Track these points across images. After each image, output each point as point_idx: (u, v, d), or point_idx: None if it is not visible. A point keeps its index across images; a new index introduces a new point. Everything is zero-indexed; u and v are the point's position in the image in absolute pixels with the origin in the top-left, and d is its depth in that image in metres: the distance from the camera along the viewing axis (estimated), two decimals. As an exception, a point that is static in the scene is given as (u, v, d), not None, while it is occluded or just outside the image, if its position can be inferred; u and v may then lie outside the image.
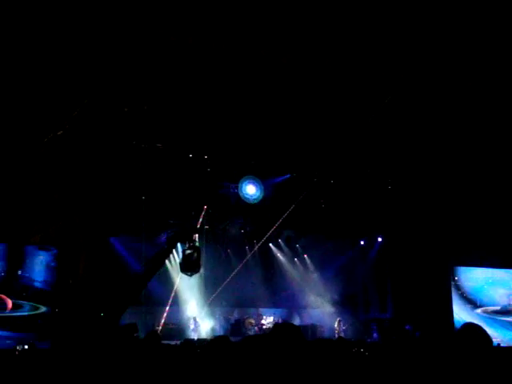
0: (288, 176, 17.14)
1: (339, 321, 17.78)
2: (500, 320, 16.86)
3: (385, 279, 19.24)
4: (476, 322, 3.19)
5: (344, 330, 17.64)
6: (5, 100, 11.74)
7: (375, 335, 18.25)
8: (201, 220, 17.12)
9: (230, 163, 16.00)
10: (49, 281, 12.85)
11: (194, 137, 14.62)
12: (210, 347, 3.60)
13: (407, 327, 16.95)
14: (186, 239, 14.86)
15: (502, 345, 14.19)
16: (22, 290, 12.55)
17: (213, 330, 17.48)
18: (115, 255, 15.84)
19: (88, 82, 12.01)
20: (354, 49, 11.55)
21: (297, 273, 19.65)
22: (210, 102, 13.58)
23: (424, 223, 16.74)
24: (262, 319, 18.21)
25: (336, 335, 17.10)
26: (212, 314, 18.02)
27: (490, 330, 3.05)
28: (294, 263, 19.88)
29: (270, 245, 19.80)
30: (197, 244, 15.02)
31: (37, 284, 12.74)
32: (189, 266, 14.57)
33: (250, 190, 17.06)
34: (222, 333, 16.75)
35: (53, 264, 12.95)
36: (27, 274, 12.67)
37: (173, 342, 12.04)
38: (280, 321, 17.44)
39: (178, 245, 16.16)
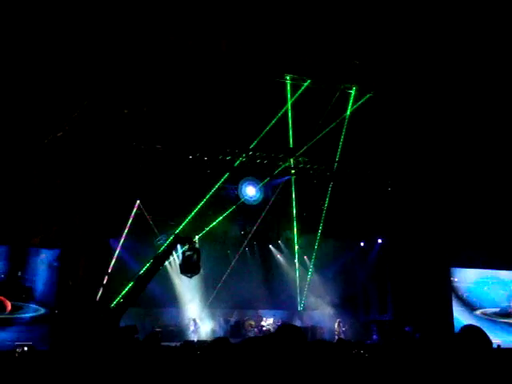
0: (288, 177, 17.13)
1: (339, 322, 17.76)
2: (499, 322, 16.84)
3: (385, 281, 19.22)
4: (475, 323, 3.19)
5: (344, 332, 17.62)
6: (5, 102, 11.74)
7: (375, 337, 18.23)
8: (200, 221, 17.10)
9: (229, 164, 16.00)
10: (49, 282, 12.84)
11: (193, 138, 14.62)
12: (210, 349, 3.60)
13: (407, 329, 16.93)
14: (186, 241, 14.85)
15: (501, 346, 14.18)
16: (21, 291, 12.54)
17: (213, 331, 17.46)
18: (115, 257, 15.82)
19: (88, 84, 12.02)
20: (354, 49, 11.57)
21: (296, 274, 19.62)
22: (209, 103, 13.60)
23: (424, 225, 16.73)
24: (261, 321, 18.19)
25: (336, 337, 17.07)
26: (212, 316, 18.00)
27: (488, 333, 3.05)
28: (293, 264, 19.85)
29: (270, 246, 19.79)
30: (196, 245, 15.01)
31: (37, 286, 12.73)
32: (189, 268, 14.55)
33: (250, 192, 17.05)
34: (221, 334, 16.73)
35: (55, 264, 12.94)
36: (27, 276, 12.67)
37: (173, 344, 12.02)
38: (280, 322, 17.41)
39: (178, 246, 16.13)
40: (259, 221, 18.94)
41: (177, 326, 17.24)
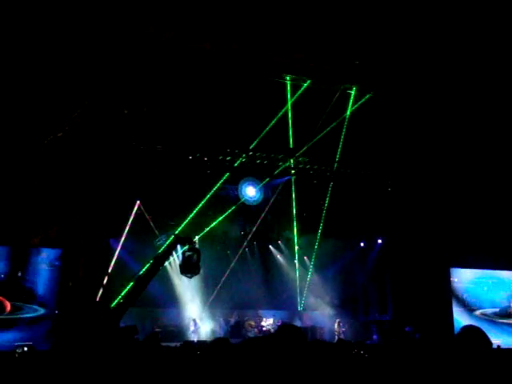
0: (288, 178, 17.13)
1: (339, 322, 17.77)
2: (499, 322, 16.84)
3: (385, 281, 19.22)
4: (475, 324, 3.19)
5: (344, 332, 17.62)
6: (5, 103, 11.74)
7: (375, 337, 18.24)
8: (200, 222, 17.11)
9: (229, 165, 16.01)
10: (49, 283, 12.84)
11: (193, 139, 14.63)
12: (210, 349, 3.60)
13: (407, 329, 16.93)
14: (186, 241, 14.85)
15: (501, 347, 14.18)
16: (21, 292, 12.54)
17: (213, 331, 17.45)
18: (115, 257, 15.82)
19: (88, 85, 12.03)
20: (355, 49, 11.58)
21: (296, 274, 19.62)
22: (209, 104, 13.60)
23: (424, 225, 16.73)
24: (261, 321, 18.19)
25: (336, 337, 17.08)
26: (212, 316, 18.00)
27: (488, 333, 3.05)
28: (293, 265, 19.85)
29: (270, 246, 19.79)
30: (196, 246, 15.02)
31: (37, 286, 12.72)
32: (189, 268, 14.55)
33: (250, 192, 17.05)
34: (221, 334, 16.73)
35: (57, 263, 12.94)
36: (27, 276, 12.66)
37: (172, 344, 12.02)
38: (280, 323, 17.41)
39: (178, 247, 16.13)
40: (259, 221, 18.94)
41: (177, 326, 17.24)
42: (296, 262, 19.90)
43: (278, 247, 19.94)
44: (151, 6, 10.57)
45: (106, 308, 13.23)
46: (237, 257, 18.84)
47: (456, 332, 3.17)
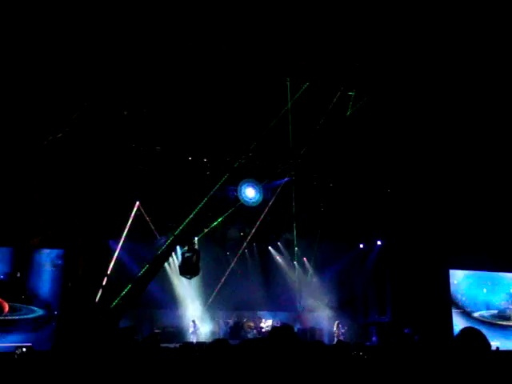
0: (287, 179, 17.13)
1: (338, 324, 17.77)
2: (498, 324, 16.85)
3: (384, 283, 19.23)
4: (473, 326, 3.20)
5: (343, 333, 17.63)
6: (5, 103, 11.75)
7: (374, 339, 18.24)
8: (200, 223, 17.11)
9: (229, 166, 16.00)
10: (49, 283, 12.83)
11: (193, 140, 14.63)
12: (209, 350, 3.61)
13: (406, 331, 16.93)
14: (186, 242, 14.86)
15: (500, 349, 14.19)
16: (20, 292, 12.53)
17: (212, 332, 17.45)
18: (114, 258, 15.82)
19: (88, 86, 12.03)
20: (354, 50, 11.59)
21: (296, 276, 19.62)
22: (209, 104, 13.60)
23: (423, 227, 16.74)
24: (260, 322, 18.19)
25: (335, 338, 17.09)
26: (211, 317, 18.00)
27: (487, 335, 3.06)
28: (293, 266, 19.86)
29: (270, 248, 19.80)
30: (196, 247, 15.02)
31: (36, 287, 12.72)
32: (188, 269, 14.57)
33: (250, 193, 17.06)
34: (221, 336, 16.73)
35: (59, 262, 12.94)
36: (29, 277, 12.66)
37: (172, 345, 12.02)
38: (279, 324, 17.42)
39: (178, 248, 16.14)
40: (259, 222, 18.94)
41: (176, 327, 17.23)
42: (295, 263, 19.92)
43: (277, 249, 19.95)
44: (151, 7, 10.59)
45: (106, 309, 13.23)
46: (236, 258, 18.84)
47: (455, 334, 3.18)
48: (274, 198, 17.67)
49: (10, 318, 12.24)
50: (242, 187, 17.00)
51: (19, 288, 12.55)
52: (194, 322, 17.09)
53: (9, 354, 10.02)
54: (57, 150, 12.80)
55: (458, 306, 16.96)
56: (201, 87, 13.11)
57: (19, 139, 12.38)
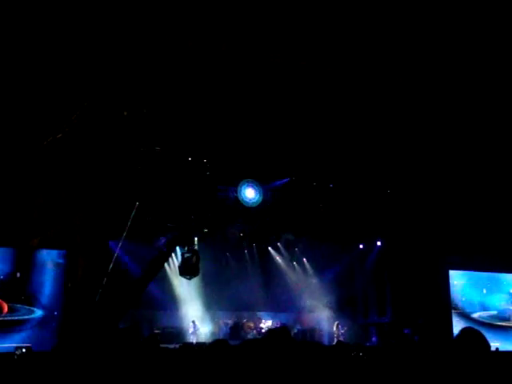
0: (287, 180, 17.13)
1: (337, 324, 17.78)
2: (497, 325, 16.85)
3: (384, 283, 19.23)
4: (473, 326, 3.20)
5: (343, 334, 17.63)
6: (5, 103, 11.74)
7: (374, 339, 18.25)
8: (200, 223, 17.12)
9: (229, 167, 16.00)
10: (49, 284, 12.83)
11: (192, 140, 14.63)
12: (209, 351, 3.61)
13: (406, 331, 16.94)
14: (185, 243, 14.87)
15: (499, 350, 14.19)
16: (20, 293, 12.52)
17: (212, 333, 17.47)
18: (114, 259, 15.81)
19: (87, 86, 12.03)
20: (354, 51, 11.59)
21: (296, 276, 19.64)
22: (208, 105, 13.60)
23: (423, 227, 16.74)
24: (260, 323, 18.20)
25: (335, 339, 17.09)
26: (211, 318, 18.01)
27: (486, 336, 3.06)
28: (292, 267, 19.87)
29: (269, 248, 19.80)
30: (196, 247, 15.04)
31: (36, 287, 12.71)
32: (188, 270, 14.59)
33: (249, 194, 17.05)
34: (221, 336, 16.75)
35: (61, 261, 12.94)
36: (26, 278, 12.65)
37: (171, 346, 12.03)
38: (279, 324, 17.42)
39: (177, 248, 16.14)
40: (258, 223, 18.94)
41: (176, 327, 17.24)
42: (295, 264, 19.93)
43: (277, 249, 19.95)
44: (150, 7, 10.59)
45: (106, 309, 13.23)
46: (236, 259, 18.86)
47: (454, 335, 3.18)
48: (273, 199, 17.67)
49: (9, 318, 12.23)
50: (242, 188, 16.99)
51: (19, 288, 12.55)
52: (193, 322, 17.10)
53: (8, 354, 10.03)
54: (57, 151, 12.80)
55: (457, 307, 16.97)
56: (201, 87, 13.11)
57: (19, 140, 12.38)
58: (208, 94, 13.26)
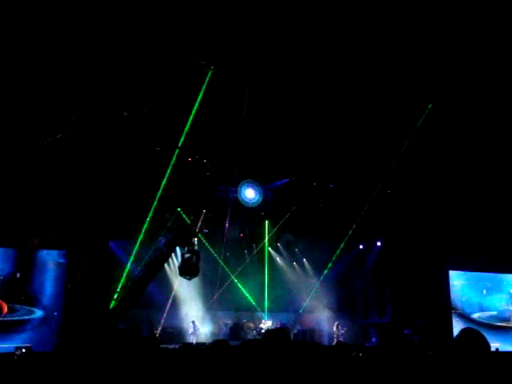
0: (287, 180, 17.15)
1: (337, 325, 17.78)
2: (497, 326, 16.84)
3: (384, 283, 19.24)
4: (472, 327, 3.20)
5: (343, 334, 17.63)
6: (5, 104, 11.75)
7: (374, 339, 18.26)
8: (200, 224, 17.15)
9: (228, 167, 16.00)
10: (55, 284, 12.81)
11: (192, 140, 14.63)
12: (209, 351, 3.61)
13: (406, 331, 16.95)
14: (185, 243, 14.87)
15: (499, 350, 14.19)
16: (20, 293, 12.51)
17: (212, 333, 17.47)
18: (114, 259, 15.82)
19: (87, 86, 12.03)
20: (355, 52, 11.59)
21: (295, 277, 19.64)
22: (208, 105, 13.61)
23: (423, 228, 16.74)
24: (260, 323, 18.20)
25: (335, 339, 17.09)
26: (211, 318, 18.01)
27: (486, 336, 3.06)
28: (292, 267, 19.89)
29: (269, 249, 19.81)
30: (196, 248, 15.03)
31: (36, 288, 12.70)
32: (188, 270, 14.58)
33: (249, 194, 17.06)
34: (220, 336, 16.75)
35: (62, 262, 12.92)
36: (26, 278, 12.64)
37: (171, 346, 12.03)
38: (279, 325, 17.42)
39: (177, 248, 16.14)
40: (258, 223, 18.96)
41: (176, 328, 17.24)
42: (295, 264, 19.94)
43: (277, 249, 19.96)
44: (150, 7, 10.59)
45: (105, 310, 13.22)
46: (235, 259, 18.86)
47: (454, 335, 3.18)
48: (273, 199, 17.69)
49: (9, 319, 12.22)
50: (242, 188, 17.00)
51: (19, 289, 12.54)
52: (193, 322, 17.10)
53: (8, 354, 10.02)
54: (57, 151, 12.80)
55: (457, 307, 16.95)
56: (200, 87, 13.12)
57: (19, 140, 12.38)
58: (208, 94, 13.27)
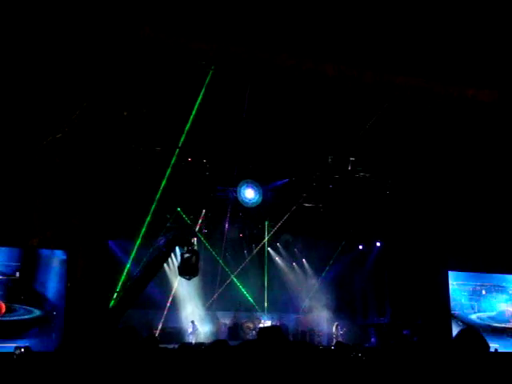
0: (287, 180, 17.13)
1: (337, 325, 17.78)
2: (496, 327, 16.83)
3: (383, 284, 19.24)
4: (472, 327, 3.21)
5: (342, 335, 17.63)
6: (5, 104, 11.74)
7: (373, 340, 18.25)
8: (199, 224, 17.14)
9: (228, 167, 16.00)
10: (47, 284, 12.79)
11: (192, 140, 14.62)
12: (209, 351, 3.61)
13: (405, 332, 16.94)
14: (185, 243, 14.86)
15: (498, 351, 14.19)
16: (19, 293, 12.50)
17: (211, 333, 17.46)
18: (114, 258, 15.81)
19: (87, 86, 12.03)
20: (355, 53, 11.61)
21: (295, 277, 19.64)
22: (208, 105, 13.60)
23: (422, 228, 16.74)
24: (259, 323, 18.19)
25: (334, 340, 17.09)
26: (210, 318, 18.01)
27: (485, 337, 3.06)
28: (292, 267, 19.88)
29: (269, 249, 19.80)
30: (195, 248, 15.02)
31: (35, 288, 12.68)
32: (187, 270, 14.57)
33: (249, 194, 17.04)
34: (220, 336, 16.74)
35: (60, 261, 12.90)
36: (25, 278, 12.62)
37: (170, 346, 12.02)
38: (278, 325, 17.42)
39: (177, 248, 16.13)
40: (258, 223, 18.95)
41: (175, 328, 17.23)
42: (294, 264, 19.94)
43: (276, 250, 19.95)
44: (149, 7, 10.60)
45: (105, 310, 13.22)
46: (235, 259, 18.85)
47: (453, 335, 3.18)
48: (273, 199, 17.67)
49: (7, 319, 12.20)
50: (242, 188, 16.99)
51: (18, 289, 12.52)
52: (193, 322, 17.09)
53: (7, 354, 10.01)
54: (56, 151, 12.79)
55: (456, 308, 16.95)
56: (200, 87, 13.12)
57: (19, 140, 12.38)
58: (208, 93, 13.26)
